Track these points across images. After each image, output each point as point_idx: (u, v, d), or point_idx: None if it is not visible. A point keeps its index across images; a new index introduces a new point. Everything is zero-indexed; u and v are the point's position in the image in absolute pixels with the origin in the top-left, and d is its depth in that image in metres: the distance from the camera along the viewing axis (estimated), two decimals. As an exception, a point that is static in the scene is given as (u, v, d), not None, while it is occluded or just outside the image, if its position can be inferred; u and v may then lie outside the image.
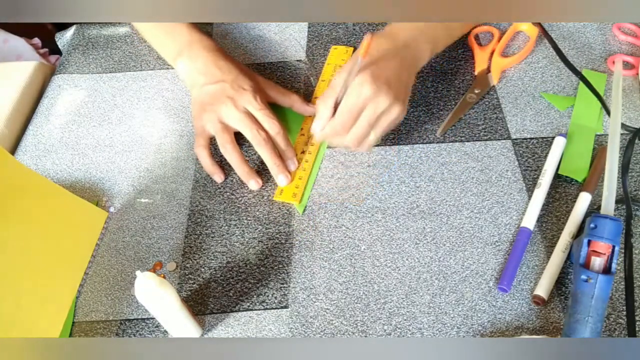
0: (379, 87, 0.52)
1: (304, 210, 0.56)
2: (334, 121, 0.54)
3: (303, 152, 0.61)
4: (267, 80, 0.64)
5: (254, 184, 0.58)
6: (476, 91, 0.64)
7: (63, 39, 0.77)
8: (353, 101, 0.52)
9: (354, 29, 0.73)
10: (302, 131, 0.62)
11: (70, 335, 0.50)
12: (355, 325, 0.49)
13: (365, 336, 0.48)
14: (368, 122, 0.53)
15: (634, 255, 0.50)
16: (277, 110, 0.62)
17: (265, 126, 0.58)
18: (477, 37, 0.70)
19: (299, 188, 0.57)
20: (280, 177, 0.57)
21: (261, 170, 0.59)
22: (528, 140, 0.60)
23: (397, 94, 0.53)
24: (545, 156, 0.58)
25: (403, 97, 0.55)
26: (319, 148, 0.61)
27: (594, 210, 0.53)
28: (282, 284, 0.51)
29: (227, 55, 0.63)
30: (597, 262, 0.46)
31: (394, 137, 0.61)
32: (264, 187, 0.58)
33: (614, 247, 0.46)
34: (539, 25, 0.67)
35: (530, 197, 0.55)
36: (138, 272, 0.42)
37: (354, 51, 0.70)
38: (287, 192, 0.57)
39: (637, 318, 0.47)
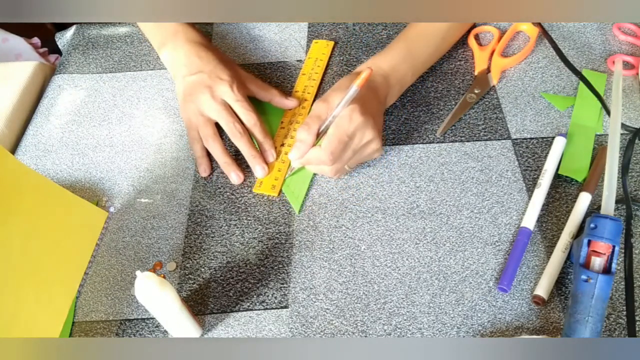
0: (367, 119, 0.52)
1: (301, 210, 0.56)
2: (323, 149, 0.52)
3: (282, 144, 0.61)
4: (247, 74, 0.64)
5: (234, 176, 0.58)
6: (476, 91, 0.64)
7: (63, 39, 0.77)
8: (344, 129, 0.52)
9: (354, 29, 0.73)
10: (282, 124, 0.63)
11: (70, 335, 0.50)
12: (355, 325, 0.49)
13: (365, 336, 0.48)
14: (353, 151, 0.53)
15: (634, 255, 0.50)
16: (257, 103, 0.63)
17: (242, 118, 0.59)
18: (477, 37, 0.70)
19: (278, 180, 0.58)
20: (257, 169, 0.58)
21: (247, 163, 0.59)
22: (528, 140, 0.60)
23: (379, 130, 0.54)
24: (545, 156, 0.58)
25: (380, 136, 0.55)
26: None
27: (594, 210, 0.53)
28: (282, 284, 0.51)
29: (211, 47, 0.63)
30: (597, 262, 0.46)
31: (394, 137, 0.61)
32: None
33: (614, 247, 0.46)
34: (539, 25, 0.67)
35: (530, 197, 0.55)
36: (138, 272, 0.42)
37: (334, 46, 0.71)
38: (267, 184, 0.58)
39: (637, 318, 0.47)
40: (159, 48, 0.65)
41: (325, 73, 0.68)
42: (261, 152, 0.59)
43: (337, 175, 0.56)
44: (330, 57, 0.70)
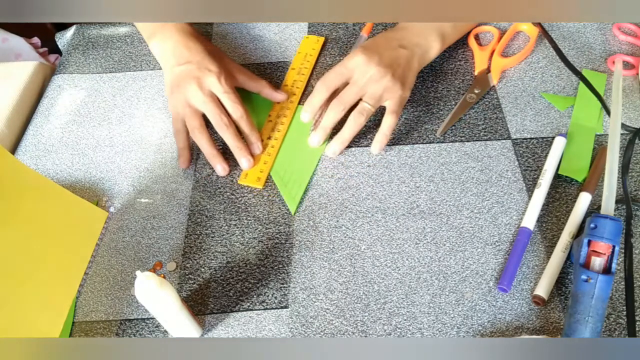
0: (369, 57, 0.55)
1: (296, 211, 0.56)
2: (322, 80, 0.58)
3: (269, 137, 0.61)
4: (237, 65, 0.65)
5: (220, 168, 0.59)
6: (476, 91, 0.64)
7: (63, 39, 0.77)
8: (342, 63, 0.57)
9: (354, 29, 0.73)
10: (270, 117, 0.63)
11: (70, 335, 0.50)
12: (355, 325, 0.49)
13: (365, 336, 0.48)
14: (357, 86, 0.56)
15: (634, 255, 0.50)
16: (246, 95, 0.63)
17: (229, 110, 0.59)
18: (477, 37, 0.70)
19: (263, 172, 0.58)
20: (242, 160, 0.58)
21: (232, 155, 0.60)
22: (528, 140, 0.60)
23: (388, 67, 0.56)
24: (545, 156, 0.58)
25: (400, 76, 0.56)
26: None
27: (594, 210, 0.53)
28: (282, 284, 0.51)
29: (200, 37, 0.64)
30: (597, 262, 0.46)
31: (394, 137, 0.61)
32: (264, 187, 0.58)
33: (614, 247, 0.46)
34: (539, 25, 0.67)
35: (530, 197, 0.55)
36: (138, 272, 0.42)
37: (325, 42, 0.72)
38: (252, 176, 0.58)
39: (637, 318, 0.47)
40: (148, 38, 0.65)
41: (314, 68, 0.68)
42: (247, 145, 0.59)
43: (357, 116, 0.58)
44: (321, 53, 0.70)
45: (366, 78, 0.56)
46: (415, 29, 0.61)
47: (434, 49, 0.62)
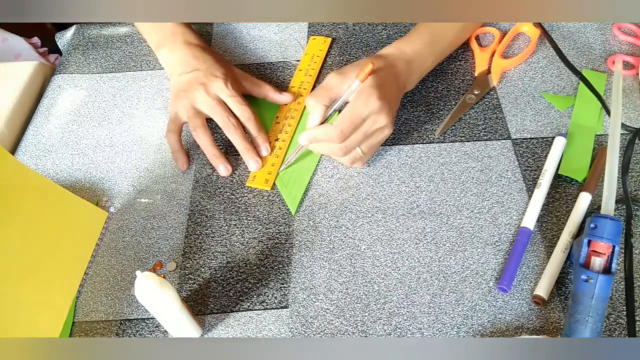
0: (383, 105, 0.52)
1: (297, 211, 0.56)
2: (334, 126, 0.52)
3: (277, 139, 0.61)
4: (242, 72, 0.65)
5: (222, 169, 0.59)
6: (475, 92, 0.64)
7: (63, 39, 0.77)
8: (359, 111, 0.52)
9: (354, 29, 0.73)
10: (277, 119, 0.63)
11: (70, 335, 0.50)
12: (355, 325, 0.49)
13: (365, 336, 0.48)
14: (364, 134, 0.53)
15: (634, 255, 0.50)
16: (252, 99, 0.64)
17: (236, 112, 0.59)
18: (477, 38, 0.70)
19: (271, 174, 0.58)
20: (250, 162, 0.58)
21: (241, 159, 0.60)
22: (528, 140, 0.60)
23: (392, 117, 0.54)
24: (545, 156, 0.58)
25: (393, 122, 0.55)
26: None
27: (594, 210, 0.53)
28: (282, 284, 0.51)
29: (207, 48, 0.64)
30: (597, 262, 0.46)
31: (394, 137, 0.61)
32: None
33: (614, 247, 0.46)
34: (540, 25, 0.67)
35: (530, 197, 0.55)
36: (138, 272, 0.42)
37: (332, 42, 0.71)
38: (260, 178, 0.58)
39: (637, 318, 0.47)
40: (156, 48, 0.66)
41: (322, 69, 0.68)
42: (255, 146, 0.59)
43: (347, 156, 0.54)
44: (327, 54, 0.70)
45: (375, 127, 0.53)
46: (409, 66, 0.58)
47: (409, 89, 0.61)
